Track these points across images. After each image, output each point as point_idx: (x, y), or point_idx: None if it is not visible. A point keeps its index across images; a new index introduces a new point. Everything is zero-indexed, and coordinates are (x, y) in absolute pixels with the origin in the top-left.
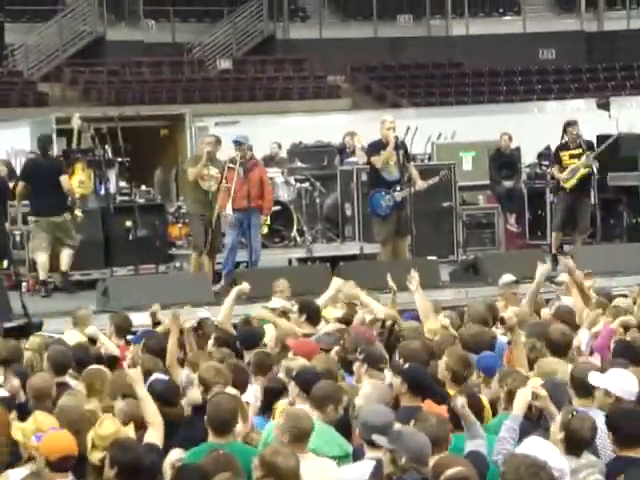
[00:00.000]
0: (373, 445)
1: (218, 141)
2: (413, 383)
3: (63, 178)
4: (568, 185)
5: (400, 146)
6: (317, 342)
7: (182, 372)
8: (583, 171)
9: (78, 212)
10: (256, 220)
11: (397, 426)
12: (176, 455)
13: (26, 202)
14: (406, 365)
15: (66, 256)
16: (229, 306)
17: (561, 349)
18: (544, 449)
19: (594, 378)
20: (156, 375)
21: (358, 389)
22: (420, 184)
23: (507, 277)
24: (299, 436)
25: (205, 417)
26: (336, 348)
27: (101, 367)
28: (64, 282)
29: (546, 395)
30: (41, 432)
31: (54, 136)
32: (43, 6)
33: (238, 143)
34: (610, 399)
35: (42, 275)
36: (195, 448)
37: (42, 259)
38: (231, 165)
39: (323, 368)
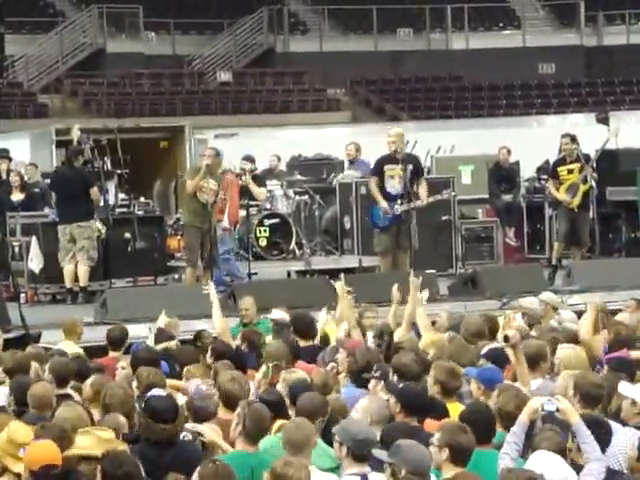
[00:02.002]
0: (358, 459)
1: (218, 153)
2: (406, 403)
3: (93, 190)
4: (574, 205)
5: (409, 160)
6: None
7: (192, 382)
8: (584, 188)
9: (101, 228)
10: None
11: (398, 441)
12: None
13: (35, 213)
14: (400, 385)
15: (82, 272)
16: (220, 317)
17: (532, 363)
18: (551, 462)
19: (624, 388)
20: (155, 390)
21: (342, 403)
22: (422, 199)
23: (531, 300)
24: (303, 445)
25: (239, 426)
26: (332, 364)
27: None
28: (84, 295)
29: (567, 406)
30: (19, 443)
31: (53, 148)
32: (43, 17)
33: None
34: (636, 409)
35: (68, 284)
36: (225, 456)
37: (68, 269)
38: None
39: (320, 381)
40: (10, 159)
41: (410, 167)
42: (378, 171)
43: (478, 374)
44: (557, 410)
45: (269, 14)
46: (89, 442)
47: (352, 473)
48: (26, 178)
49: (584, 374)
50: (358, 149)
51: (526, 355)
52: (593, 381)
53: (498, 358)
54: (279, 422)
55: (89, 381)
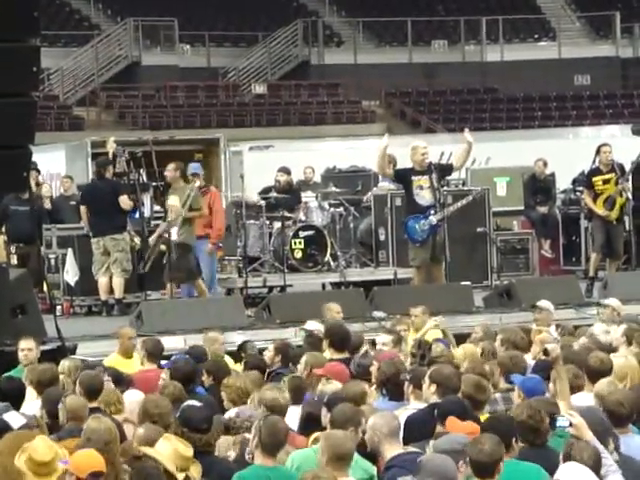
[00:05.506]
0: None
1: (176, 168)
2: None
3: (122, 198)
4: (612, 219)
5: (434, 170)
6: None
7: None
8: (620, 200)
9: (137, 240)
10: (204, 248)
11: (419, 458)
12: None
13: (71, 225)
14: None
15: (117, 284)
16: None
17: (600, 377)
18: (581, 474)
19: None
20: (190, 401)
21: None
22: (457, 159)
23: (543, 303)
24: (340, 457)
25: (255, 439)
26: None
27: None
28: (120, 307)
29: (579, 423)
30: (38, 462)
31: (89, 160)
32: (79, 31)
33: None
34: None
35: (103, 296)
36: (243, 472)
37: (102, 281)
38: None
39: (354, 392)
40: (39, 171)
41: (434, 176)
42: (406, 182)
43: (521, 383)
44: (570, 425)
45: (304, 26)
46: (167, 452)
47: None
48: (62, 190)
49: (611, 391)
50: (390, 161)
51: (593, 369)
52: (616, 399)
53: (546, 370)
54: (315, 434)
55: (100, 397)
